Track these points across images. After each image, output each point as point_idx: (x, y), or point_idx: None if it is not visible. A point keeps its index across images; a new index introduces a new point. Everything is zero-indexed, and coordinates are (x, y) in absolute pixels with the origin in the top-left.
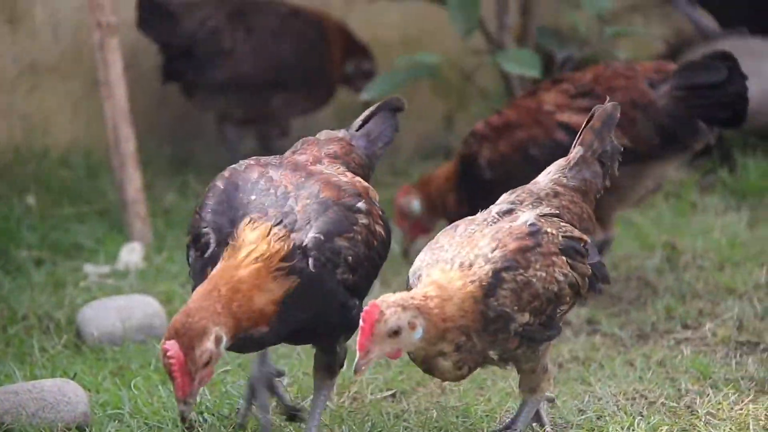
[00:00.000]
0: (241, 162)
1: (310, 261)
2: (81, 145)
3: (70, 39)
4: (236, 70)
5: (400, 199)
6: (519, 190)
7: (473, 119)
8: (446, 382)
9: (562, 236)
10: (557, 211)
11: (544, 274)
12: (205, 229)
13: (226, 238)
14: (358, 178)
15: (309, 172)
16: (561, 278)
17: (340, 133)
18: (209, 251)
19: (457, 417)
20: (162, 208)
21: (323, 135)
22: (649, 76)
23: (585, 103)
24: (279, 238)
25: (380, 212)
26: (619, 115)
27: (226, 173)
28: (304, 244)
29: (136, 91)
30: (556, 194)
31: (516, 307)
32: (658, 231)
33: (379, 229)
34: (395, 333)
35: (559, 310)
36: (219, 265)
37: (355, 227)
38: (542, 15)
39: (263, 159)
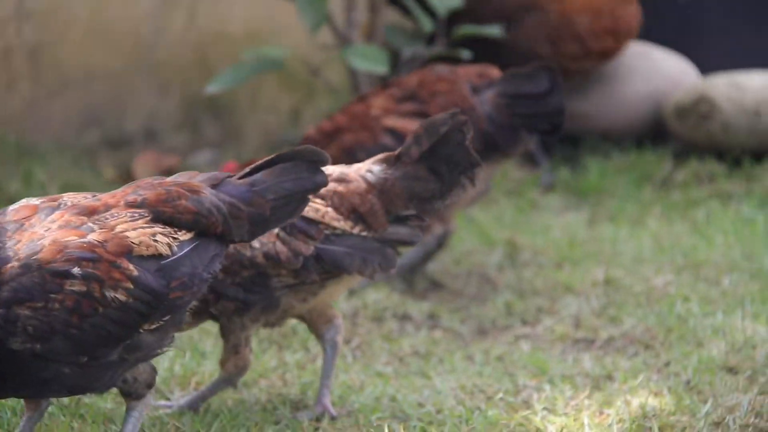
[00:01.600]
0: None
1: None
2: None
3: None
4: None
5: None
6: None
7: (320, 114)
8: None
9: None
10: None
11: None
12: None
13: None
14: (143, 236)
15: (65, 223)
16: (257, 245)
17: (199, 176)
18: None
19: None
20: (6, 197)
21: (179, 176)
22: (472, 81)
23: (410, 107)
24: None
25: (132, 273)
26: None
27: None
28: None
29: None
30: (344, 181)
31: None
32: (499, 228)
33: (114, 294)
34: None
35: (273, 282)
36: None
37: (52, 295)
38: (391, 12)
39: (57, 198)
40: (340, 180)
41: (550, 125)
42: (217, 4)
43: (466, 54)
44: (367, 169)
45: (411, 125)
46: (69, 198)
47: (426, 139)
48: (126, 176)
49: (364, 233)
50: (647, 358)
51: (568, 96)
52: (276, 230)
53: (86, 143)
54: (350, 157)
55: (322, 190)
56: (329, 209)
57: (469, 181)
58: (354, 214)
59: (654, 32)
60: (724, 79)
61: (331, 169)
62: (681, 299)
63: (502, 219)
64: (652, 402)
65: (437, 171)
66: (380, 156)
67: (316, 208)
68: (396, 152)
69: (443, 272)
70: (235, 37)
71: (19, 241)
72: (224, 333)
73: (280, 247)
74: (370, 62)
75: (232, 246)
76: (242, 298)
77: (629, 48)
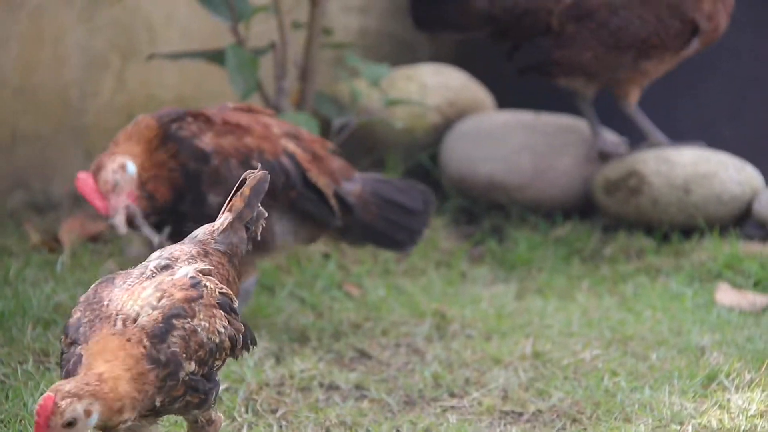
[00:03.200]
0: None
1: None
2: None
3: None
4: None
5: (105, 168)
6: (170, 248)
7: None
8: None
9: (219, 292)
10: (211, 268)
11: (207, 325)
12: None
13: None
14: None
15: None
16: (222, 330)
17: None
18: None
19: None
20: None
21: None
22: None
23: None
24: None
25: None
26: (268, 183)
27: None
28: None
29: None
30: (207, 254)
31: (184, 355)
32: (428, 299)
33: None
34: (70, 425)
35: (216, 364)
36: None
37: None
38: (321, 81)
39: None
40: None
41: (410, 240)
42: (147, 68)
43: (399, 124)
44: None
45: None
46: None
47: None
48: (52, 241)
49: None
50: None
51: (496, 165)
52: (222, 312)
53: (12, 207)
54: (247, 160)
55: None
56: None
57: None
58: (228, 286)
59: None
60: (653, 153)
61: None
62: (609, 373)
63: (431, 290)
64: None
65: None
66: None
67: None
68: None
69: (371, 342)
70: (165, 102)
71: None
72: (188, 415)
73: (232, 329)
74: None
75: (204, 334)
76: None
77: (558, 121)
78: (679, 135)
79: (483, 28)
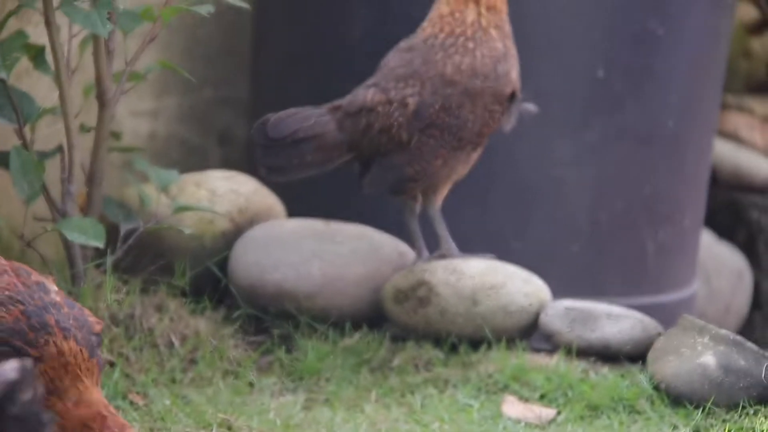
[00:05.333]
0: None
1: None
2: None
3: None
4: None
5: None
6: None
7: None
8: None
9: None
10: None
11: None
12: None
13: None
14: None
15: None
16: None
17: None
18: None
19: None
20: None
21: None
22: None
23: None
24: None
25: None
26: None
27: None
28: None
29: None
30: None
31: None
32: (214, 409)
33: None
34: None
35: None
36: None
37: None
38: (109, 185)
39: None
40: None
41: None
42: None
43: (188, 230)
44: None
45: None
46: None
47: None
48: None
49: None
50: None
51: (285, 273)
52: None
53: None
54: None
55: None
56: None
57: None
58: None
59: (377, 216)
60: (442, 263)
61: None
62: None
63: (218, 400)
64: None
65: None
66: None
67: None
68: None
69: None
70: None
71: None
72: None
73: None
74: (87, 236)
75: None
76: None
77: (348, 229)
78: (466, 246)
79: (343, 157)
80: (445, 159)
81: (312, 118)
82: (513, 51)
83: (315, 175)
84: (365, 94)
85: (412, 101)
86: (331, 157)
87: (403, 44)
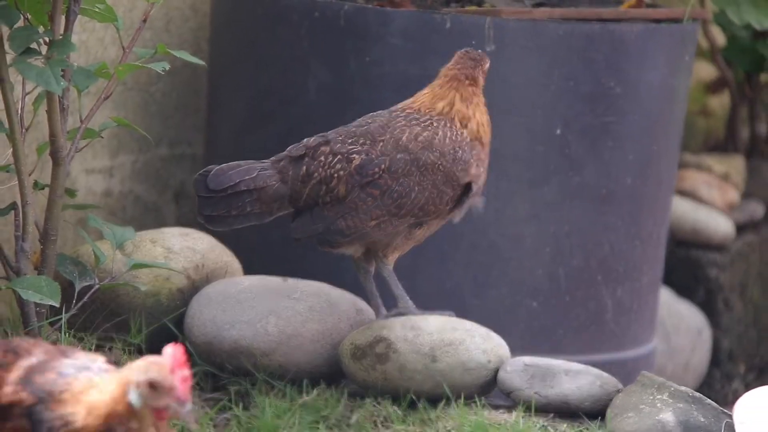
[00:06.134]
0: None
1: None
2: None
3: None
4: None
5: None
6: None
7: None
8: None
9: None
10: None
11: None
12: None
13: None
14: None
15: None
16: None
17: None
18: None
19: None
20: None
21: None
22: None
23: None
24: None
25: None
26: None
27: None
28: None
29: None
30: None
31: None
32: None
33: None
34: None
35: None
36: None
37: None
38: (63, 243)
39: None
40: None
41: None
42: None
43: (143, 288)
44: None
45: None
46: None
47: None
48: None
49: None
50: None
51: (242, 330)
52: None
53: None
54: None
55: None
56: None
57: None
58: None
59: (335, 273)
60: (401, 320)
61: None
62: None
63: None
64: None
65: None
66: None
67: None
68: None
69: None
70: None
71: None
72: None
73: None
74: (41, 294)
75: None
76: None
77: (305, 285)
78: (425, 302)
79: (284, 208)
80: (380, 222)
81: (254, 171)
82: (484, 156)
83: (272, 233)
84: (310, 140)
85: (357, 157)
86: (271, 210)
87: (370, 114)
